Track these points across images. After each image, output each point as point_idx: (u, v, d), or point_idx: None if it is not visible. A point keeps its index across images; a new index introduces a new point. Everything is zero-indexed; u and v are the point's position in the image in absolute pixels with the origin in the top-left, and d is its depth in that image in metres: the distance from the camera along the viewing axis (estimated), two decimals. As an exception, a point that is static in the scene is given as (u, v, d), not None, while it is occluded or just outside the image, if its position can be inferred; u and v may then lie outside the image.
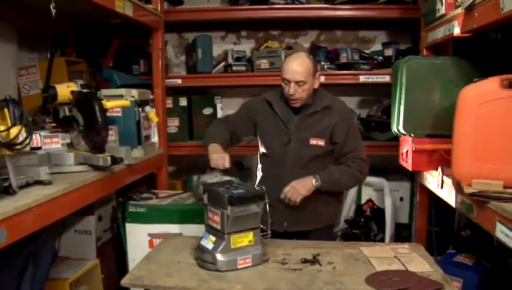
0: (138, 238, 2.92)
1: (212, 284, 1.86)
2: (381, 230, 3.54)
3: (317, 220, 2.54)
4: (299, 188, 2.38)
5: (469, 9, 2.17)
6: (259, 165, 2.57)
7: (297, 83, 2.35)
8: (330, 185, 2.44)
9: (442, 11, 2.52)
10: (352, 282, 1.87)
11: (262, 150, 2.60)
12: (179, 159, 4.17)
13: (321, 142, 2.44)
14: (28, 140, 1.91)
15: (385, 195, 3.58)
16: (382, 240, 3.49)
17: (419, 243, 2.77)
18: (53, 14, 2.08)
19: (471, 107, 2.01)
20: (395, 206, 3.66)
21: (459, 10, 2.31)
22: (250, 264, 1.98)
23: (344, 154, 2.49)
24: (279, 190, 2.40)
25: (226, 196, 1.93)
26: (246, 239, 1.97)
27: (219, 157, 2.36)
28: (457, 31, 2.32)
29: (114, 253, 3.19)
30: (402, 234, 3.56)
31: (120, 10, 2.71)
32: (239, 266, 1.96)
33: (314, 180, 2.39)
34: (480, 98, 2.00)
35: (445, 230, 3.37)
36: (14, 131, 1.85)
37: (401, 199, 3.77)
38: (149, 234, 2.90)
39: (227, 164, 2.32)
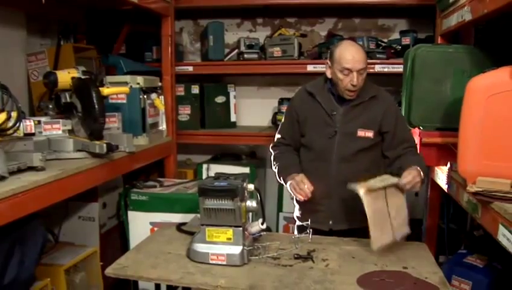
0: (140, 226, 2.92)
1: (196, 278, 1.81)
2: (393, 226, 3.40)
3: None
4: (416, 175, 2.16)
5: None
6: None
7: (359, 71, 2.19)
8: (424, 171, 2.24)
9: (455, -4, 2.37)
10: (342, 282, 1.78)
11: (302, 143, 2.43)
12: (193, 148, 4.15)
13: (369, 134, 2.29)
14: (16, 126, 1.90)
15: (399, 189, 3.42)
16: (394, 236, 3.35)
17: (429, 241, 2.66)
18: (43, -2, 2.04)
19: (479, 99, 1.89)
20: (408, 202, 3.49)
21: (471, -6, 2.16)
22: (224, 263, 1.90)
23: (398, 144, 2.32)
24: (323, 185, 2.27)
25: (200, 185, 1.92)
26: (223, 235, 1.90)
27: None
28: (469, 17, 2.17)
29: (119, 240, 3.18)
30: (416, 231, 3.41)
31: (124, -4, 2.66)
32: (211, 261, 1.90)
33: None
34: (489, 89, 1.87)
35: (461, 228, 3.22)
36: (1, 117, 1.84)
37: (416, 194, 3.60)
38: (151, 223, 2.90)
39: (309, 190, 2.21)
